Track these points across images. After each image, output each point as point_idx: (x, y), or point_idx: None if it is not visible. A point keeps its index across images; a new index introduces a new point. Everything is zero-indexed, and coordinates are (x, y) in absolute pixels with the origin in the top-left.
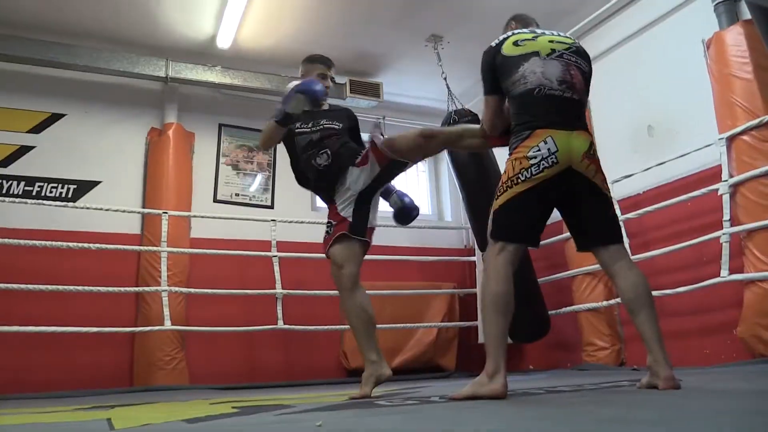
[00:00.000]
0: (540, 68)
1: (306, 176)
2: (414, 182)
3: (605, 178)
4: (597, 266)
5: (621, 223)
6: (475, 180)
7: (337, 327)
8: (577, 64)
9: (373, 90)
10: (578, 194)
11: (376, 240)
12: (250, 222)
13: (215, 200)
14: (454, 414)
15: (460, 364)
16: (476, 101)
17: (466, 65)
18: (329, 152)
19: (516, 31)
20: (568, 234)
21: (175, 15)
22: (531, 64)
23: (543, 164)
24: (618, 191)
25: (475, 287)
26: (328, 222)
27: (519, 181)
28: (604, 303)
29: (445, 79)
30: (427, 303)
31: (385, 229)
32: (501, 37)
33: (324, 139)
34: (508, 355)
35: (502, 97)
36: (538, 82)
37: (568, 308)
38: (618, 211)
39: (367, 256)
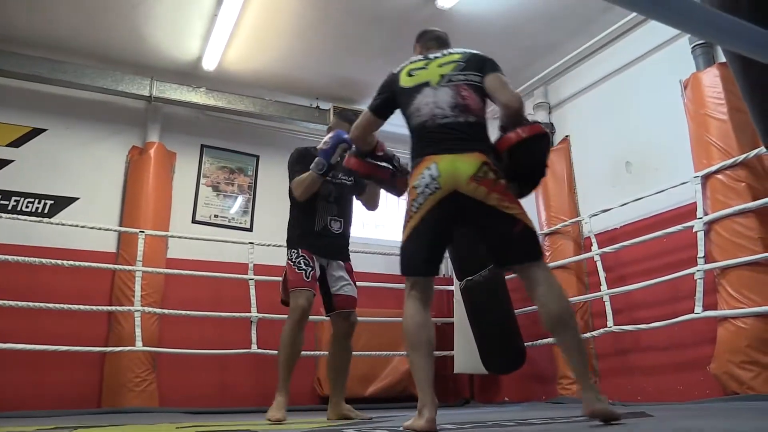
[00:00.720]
0: (432, 98)
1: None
2: (393, 210)
3: (505, 197)
4: (573, 299)
5: (540, 240)
6: None
7: (312, 353)
8: (468, 82)
9: (358, 116)
10: (473, 217)
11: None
12: (228, 244)
13: (194, 221)
14: None
15: (436, 393)
16: None
17: None
18: (342, 222)
19: (412, 59)
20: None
21: (162, 35)
22: (423, 95)
23: (426, 191)
24: (595, 225)
25: (453, 316)
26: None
27: (412, 213)
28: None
29: None
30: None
31: (362, 256)
32: (400, 66)
33: (340, 200)
34: (484, 386)
35: (378, 120)
36: (431, 113)
37: (544, 340)
38: (596, 244)
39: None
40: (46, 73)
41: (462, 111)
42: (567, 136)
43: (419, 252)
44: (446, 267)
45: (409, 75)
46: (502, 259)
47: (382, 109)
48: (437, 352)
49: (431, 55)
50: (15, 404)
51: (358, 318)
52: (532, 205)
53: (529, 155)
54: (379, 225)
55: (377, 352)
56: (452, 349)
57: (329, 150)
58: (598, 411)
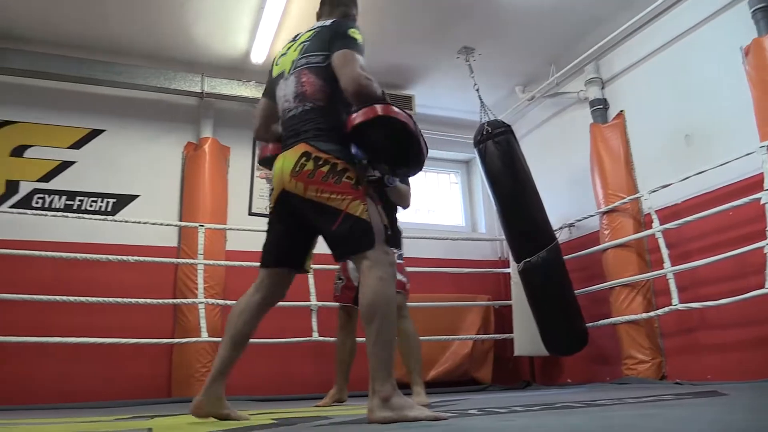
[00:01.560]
0: (283, 91)
1: None
2: (446, 194)
3: (325, 186)
4: (635, 277)
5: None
6: (509, 191)
7: None
8: (308, 65)
9: (404, 103)
10: (302, 212)
11: (409, 252)
12: None
13: (250, 213)
14: (495, 426)
15: (497, 376)
16: (509, 112)
17: (497, 77)
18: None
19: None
20: (605, 245)
21: (211, 32)
22: (280, 88)
23: (270, 192)
24: (655, 201)
25: (510, 299)
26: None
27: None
28: (644, 315)
29: (477, 90)
30: (462, 315)
31: (418, 241)
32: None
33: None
34: (545, 368)
35: (268, 102)
36: (282, 108)
37: (606, 321)
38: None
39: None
40: (101, 75)
41: (301, 100)
42: (621, 111)
43: (266, 245)
44: (501, 249)
45: (275, 63)
46: (332, 252)
47: (268, 94)
48: (497, 335)
49: (299, 34)
50: (91, 395)
51: (415, 303)
52: (587, 184)
53: (372, 139)
54: (432, 210)
55: (435, 337)
56: (512, 332)
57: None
58: (376, 419)
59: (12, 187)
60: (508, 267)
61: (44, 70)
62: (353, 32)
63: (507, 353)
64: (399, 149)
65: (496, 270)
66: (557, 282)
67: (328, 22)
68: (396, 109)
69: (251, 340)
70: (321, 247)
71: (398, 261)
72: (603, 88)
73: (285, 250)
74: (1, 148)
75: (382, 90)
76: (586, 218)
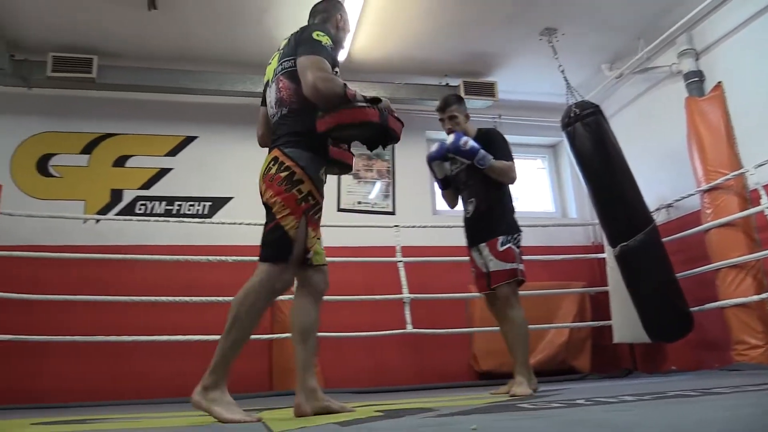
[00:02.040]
0: (269, 97)
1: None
2: (534, 180)
3: (273, 190)
4: (743, 258)
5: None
6: (601, 172)
7: (466, 330)
8: (283, 71)
9: (487, 89)
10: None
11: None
12: (373, 229)
13: (339, 209)
14: (609, 416)
15: (595, 365)
16: (596, 92)
17: (582, 56)
18: (474, 203)
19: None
20: (708, 224)
21: (289, 34)
22: (267, 95)
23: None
24: (763, 175)
25: (607, 285)
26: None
27: None
28: (755, 297)
29: (562, 72)
30: (557, 303)
31: None
32: None
33: (468, 183)
34: (647, 355)
35: (264, 109)
36: (270, 112)
37: (713, 304)
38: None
39: None
40: (190, 84)
41: (279, 105)
42: (719, 82)
43: None
44: (594, 234)
45: (265, 72)
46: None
47: (263, 102)
48: (594, 323)
49: (283, 41)
50: (191, 391)
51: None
52: (685, 161)
53: (342, 136)
54: (518, 197)
55: (531, 326)
56: (609, 319)
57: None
58: (301, 412)
59: (116, 195)
60: (603, 252)
61: (139, 83)
62: (317, 35)
63: (605, 340)
64: (376, 135)
65: (590, 255)
66: (657, 265)
67: (297, 30)
68: (357, 109)
69: (346, 333)
70: (410, 239)
71: (515, 247)
72: (697, 59)
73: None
74: (104, 160)
75: (344, 84)
76: (685, 198)
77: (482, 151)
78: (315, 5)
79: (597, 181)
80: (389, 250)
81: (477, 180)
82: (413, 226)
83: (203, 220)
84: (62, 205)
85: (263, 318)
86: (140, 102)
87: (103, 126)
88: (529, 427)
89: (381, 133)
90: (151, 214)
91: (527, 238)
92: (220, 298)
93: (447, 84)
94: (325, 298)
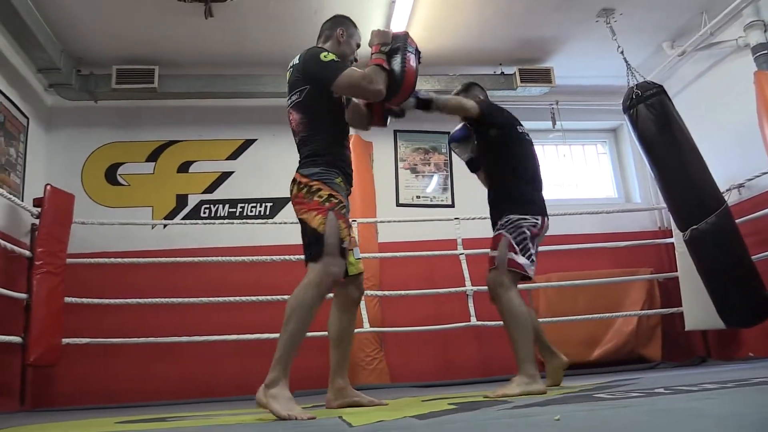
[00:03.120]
0: None
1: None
2: (595, 166)
3: (301, 204)
4: None
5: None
6: (667, 154)
7: None
8: (291, 104)
9: (543, 76)
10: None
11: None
12: (433, 222)
13: (398, 204)
14: (698, 404)
15: (667, 353)
16: (658, 72)
17: (642, 35)
18: (487, 184)
19: None
20: None
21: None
22: None
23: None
24: None
25: (676, 271)
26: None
27: None
28: None
29: (622, 53)
30: (624, 291)
31: (570, 218)
32: None
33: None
34: (721, 342)
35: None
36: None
37: None
38: None
39: (555, 246)
40: (248, 88)
41: (294, 134)
42: None
43: None
44: (661, 218)
45: None
46: None
47: None
48: (663, 310)
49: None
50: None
51: (572, 282)
52: (756, 139)
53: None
54: (577, 184)
55: (598, 315)
56: (680, 305)
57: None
58: (330, 407)
59: (182, 200)
60: (671, 237)
61: (198, 90)
62: (324, 56)
63: (676, 328)
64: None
65: (658, 241)
66: (731, 248)
67: (296, 60)
68: (406, 77)
69: (410, 328)
70: (472, 231)
71: (507, 233)
72: (766, 31)
73: None
74: (169, 166)
75: (375, 66)
76: (758, 176)
77: (425, 93)
78: (322, 25)
79: (663, 163)
80: (450, 243)
81: (485, 161)
82: (473, 218)
83: (265, 220)
84: (131, 212)
85: (326, 315)
86: (200, 108)
87: (166, 134)
88: (613, 417)
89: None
90: (215, 217)
91: (588, 226)
92: (286, 297)
93: (502, 73)
94: (388, 293)
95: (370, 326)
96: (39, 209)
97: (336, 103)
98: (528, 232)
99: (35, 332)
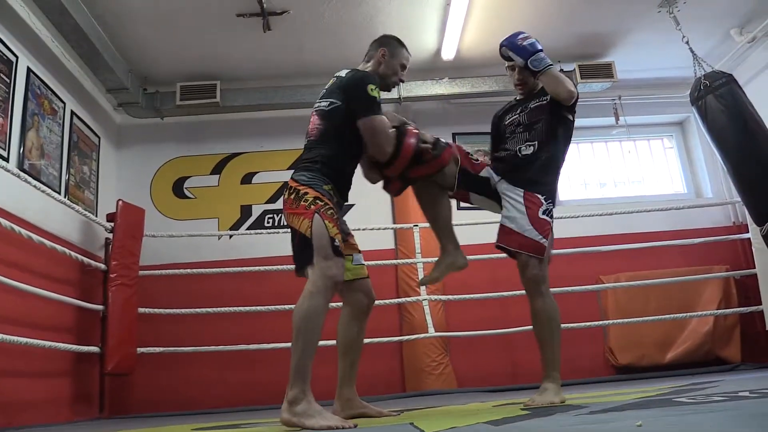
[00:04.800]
0: None
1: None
2: (661, 161)
3: (291, 211)
4: None
5: None
6: (739, 145)
7: (600, 323)
8: (319, 108)
9: (604, 71)
10: None
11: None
12: (495, 224)
13: (458, 207)
14: None
15: (747, 354)
16: (726, 60)
17: (708, 23)
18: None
19: None
20: None
21: (401, 37)
22: None
23: None
24: None
25: (754, 267)
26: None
27: None
28: None
29: (687, 43)
30: (698, 290)
31: (637, 216)
32: None
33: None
34: None
35: None
36: None
37: None
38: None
39: (622, 246)
40: (306, 98)
41: (306, 137)
42: None
43: None
44: (736, 213)
45: None
46: None
47: None
48: (741, 309)
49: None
50: (330, 393)
51: (642, 281)
52: None
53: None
54: (641, 180)
55: (671, 315)
56: (759, 304)
57: None
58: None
59: (246, 211)
60: (747, 232)
61: (258, 102)
62: (371, 89)
63: (756, 328)
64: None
65: (732, 237)
66: None
67: (343, 74)
68: (427, 164)
69: (475, 332)
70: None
71: (547, 218)
72: None
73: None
74: (233, 178)
75: (396, 126)
76: None
77: (541, 54)
78: (370, 44)
79: (736, 155)
80: None
81: (539, 126)
82: None
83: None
84: (198, 223)
85: (392, 320)
86: (261, 120)
87: (229, 146)
88: (697, 422)
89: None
90: (279, 226)
91: (657, 223)
92: None
93: (561, 70)
94: (452, 297)
95: (435, 331)
96: (112, 224)
97: (356, 131)
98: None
99: (112, 342)
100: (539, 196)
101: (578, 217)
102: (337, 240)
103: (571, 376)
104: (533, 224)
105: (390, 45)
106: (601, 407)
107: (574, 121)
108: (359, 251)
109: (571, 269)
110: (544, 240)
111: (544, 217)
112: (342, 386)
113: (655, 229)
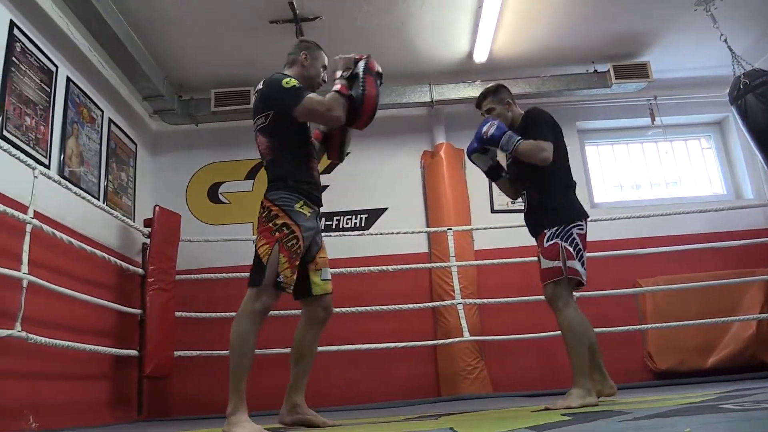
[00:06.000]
0: None
1: None
2: (699, 161)
3: (258, 231)
4: None
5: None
6: None
7: (639, 327)
8: (257, 128)
9: (640, 71)
10: None
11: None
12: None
13: (492, 211)
14: None
15: None
16: (765, 59)
17: (746, 20)
18: (527, 194)
19: None
20: None
21: (433, 41)
22: None
23: None
24: None
25: None
26: None
27: None
28: None
29: (725, 41)
30: (740, 293)
31: (674, 218)
32: None
33: (519, 172)
34: None
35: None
36: None
37: None
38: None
39: (660, 249)
40: None
41: (261, 157)
42: None
43: None
44: None
45: None
46: None
47: None
48: None
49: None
50: (365, 397)
51: (682, 284)
52: None
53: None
54: (677, 182)
55: (712, 320)
56: None
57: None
58: (281, 422)
59: None
60: None
61: None
62: (287, 83)
63: None
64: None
65: None
66: None
67: (261, 86)
68: (366, 100)
69: (510, 336)
70: None
71: (563, 241)
72: None
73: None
74: (262, 184)
75: (335, 92)
76: None
77: (506, 135)
78: (288, 53)
79: None
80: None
81: (523, 169)
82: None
83: (361, 232)
84: (233, 228)
85: (426, 324)
86: None
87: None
88: (749, 430)
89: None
90: None
91: (695, 225)
92: (385, 307)
93: (595, 70)
94: (487, 301)
95: (470, 335)
96: (149, 229)
97: (301, 127)
98: (578, 238)
99: (150, 345)
100: (546, 231)
101: (613, 219)
102: (282, 276)
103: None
104: (544, 255)
105: (310, 48)
106: (644, 413)
107: (558, 144)
108: (327, 266)
109: (608, 272)
110: (552, 263)
111: (550, 243)
112: (291, 392)
113: (694, 232)
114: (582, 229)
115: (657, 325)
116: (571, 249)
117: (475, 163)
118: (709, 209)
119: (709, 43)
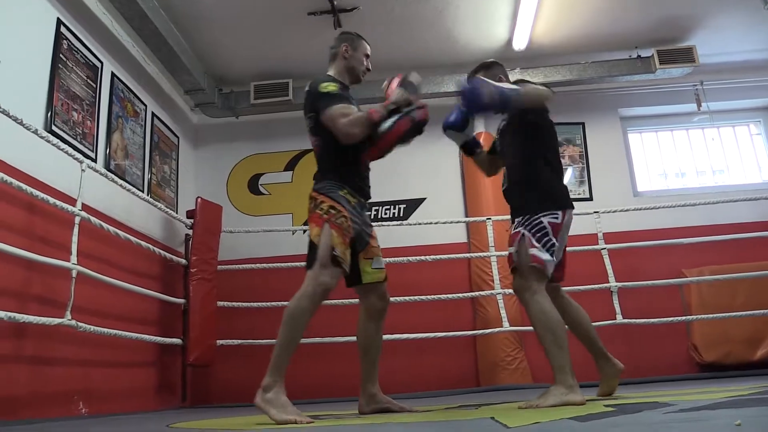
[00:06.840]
0: None
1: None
2: (747, 147)
3: (308, 220)
4: None
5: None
6: None
7: (683, 318)
8: (308, 128)
9: (685, 55)
10: None
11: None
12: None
13: None
14: None
15: None
16: None
17: None
18: (507, 172)
19: None
20: None
21: (472, 29)
22: None
23: None
24: None
25: None
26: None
27: None
28: None
29: None
30: None
31: (721, 206)
32: None
33: (503, 147)
34: None
35: None
36: None
37: None
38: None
39: (706, 238)
40: (377, 93)
41: (315, 155)
42: None
43: None
44: None
45: None
46: None
47: None
48: None
49: None
50: (403, 387)
51: (729, 275)
52: None
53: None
54: (723, 170)
55: (761, 311)
56: None
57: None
58: (361, 412)
59: None
60: None
61: None
62: (323, 87)
63: None
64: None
65: None
66: None
67: (308, 86)
68: (390, 133)
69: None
70: (612, 225)
71: (527, 231)
72: None
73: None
74: (306, 174)
75: (366, 115)
76: None
77: (503, 89)
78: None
79: None
80: (589, 238)
81: (507, 144)
82: (614, 211)
83: (400, 222)
84: (273, 219)
85: (465, 314)
86: None
87: (301, 143)
88: None
89: (414, 130)
90: None
91: (743, 214)
92: (425, 297)
93: (638, 56)
94: None
95: (510, 325)
96: (191, 220)
97: None
98: (548, 226)
99: (193, 334)
100: (517, 219)
101: (657, 208)
102: (337, 250)
103: (652, 373)
104: (508, 242)
105: (349, 39)
106: (690, 405)
107: (543, 116)
108: (379, 255)
109: (652, 262)
110: (511, 249)
111: (515, 231)
112: (365, 383)
113: (741, 220)
114: (557, 218)
115: (703, 316)
116: (535, 235)
117: (450, 137)
118: (759, 197)
119: (758, 25)
